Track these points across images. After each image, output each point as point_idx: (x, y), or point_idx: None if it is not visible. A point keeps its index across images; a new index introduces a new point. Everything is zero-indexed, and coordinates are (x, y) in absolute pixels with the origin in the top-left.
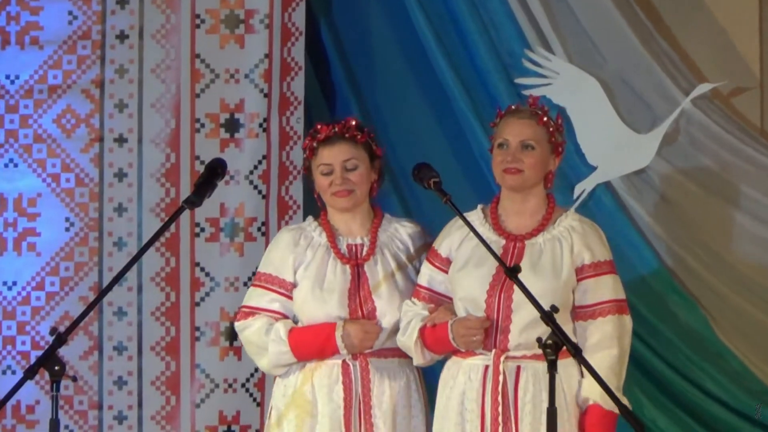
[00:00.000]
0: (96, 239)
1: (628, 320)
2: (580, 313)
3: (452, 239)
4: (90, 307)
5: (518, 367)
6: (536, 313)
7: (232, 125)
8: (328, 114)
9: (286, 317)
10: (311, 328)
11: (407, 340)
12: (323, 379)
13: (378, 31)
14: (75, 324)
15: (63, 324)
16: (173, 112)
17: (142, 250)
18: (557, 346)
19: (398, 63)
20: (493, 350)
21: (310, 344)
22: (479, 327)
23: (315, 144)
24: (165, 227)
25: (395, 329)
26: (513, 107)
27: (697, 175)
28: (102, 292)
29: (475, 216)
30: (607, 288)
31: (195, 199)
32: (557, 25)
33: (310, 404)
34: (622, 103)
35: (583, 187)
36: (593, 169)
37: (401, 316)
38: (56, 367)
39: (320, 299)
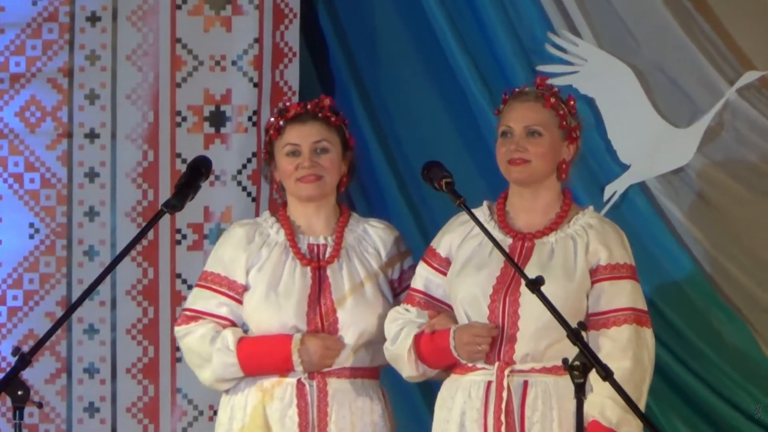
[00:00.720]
0: (64, 247)
1: (648, 334)
2: (592, 321)
3: (453, 237)
4: (57, 325)
5: (525, 383)
6: (546, 319)
7: (218, 119)
8: None
9: (234, 324)
10: (264, 339)
11: (398, 348)
12: (275, 402)
13: (383, 13)
14: (40, 343)
15: (27, 343)
16: (151, 104)
17: (116, 260)
18: (585, 367)
19: (405, 48)
20: (497, 363)
21: (263, 358)
22: (486, 335)
23: (282, 122)
24: (142, 234)
25: (359, 345)
26: (517, 90)
27: (742, 173)
28: (71, 308)
29: (480, 213)
30: (624, 294)
31: (176, 203)
32: (585, 5)
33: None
34: (659, 93)
35: (615, 189)
36: (626, 168)
37: (388, 325)
38: (19, 392)
39: (275, 305)
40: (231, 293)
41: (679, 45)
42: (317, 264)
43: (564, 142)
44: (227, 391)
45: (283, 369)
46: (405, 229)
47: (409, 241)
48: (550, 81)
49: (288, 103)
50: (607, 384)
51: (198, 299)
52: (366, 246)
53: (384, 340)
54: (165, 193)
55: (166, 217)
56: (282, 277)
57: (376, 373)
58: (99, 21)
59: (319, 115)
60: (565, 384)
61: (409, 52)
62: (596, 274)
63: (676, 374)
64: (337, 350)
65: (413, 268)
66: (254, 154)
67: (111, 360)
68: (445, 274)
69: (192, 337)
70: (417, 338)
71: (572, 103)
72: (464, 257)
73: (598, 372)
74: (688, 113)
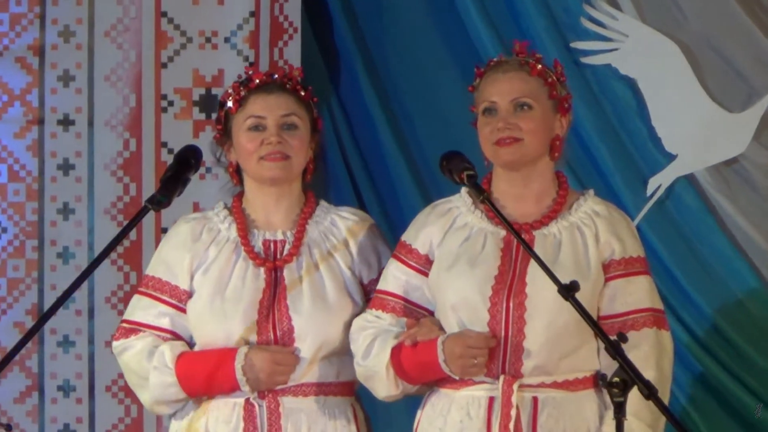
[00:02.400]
0: (35, 249)
1: (667, 337)
2: (604, 325)
3: (432, 231)
4: (27, 336)
5: (534, 399)
6: (559, 325)
7: (209, 103)
8: (331, 87)
9: (178, 337)
10: (206, 354)
11: (372, 364)
12: (220, 426)
13: None
14: (8, 358)
15: None
16: (133, 87)
17: (94, 263)
18: (626, 384)
19: (420, 21)
20: (501, 377)
21: (204, 376)
22: (483, 345)
23: (244, 92)
24: (123, 234)
25: (320, 357)
26: (495, 60)
27: None
28: (43, 317)
29: (460, 202)
30: (641, 292)
31: (161, 198)
32: None
33: None
34: (709, 73)
35: (660, 182)
36: (672, 158)
37: (355, 336)
38: None
39: (220, 313)
40: (173, 301)
41: (732, 18)
42: (272, 264)
43: (555, 114)
44: (174, 416)
45: (228, 388)
46: None
47: None
48: (585, 59)
49: (251, 72)
50: (635, 402)
51: (137, 309)
52: (332, 240)
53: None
54: (149, 187)
55: (151, 214)
56: (230, 281)
57: (347, 389)
58: None
59: (288, 86)
60: (578, 401)
61: (424, 25)
62: (609, 270)
63: (737, 398)
64: (291, 365)
65: None
66: None
67: (88, 376)
68: (425, 274)
69: (129, 353)
70: (395, 352)
71: (560, 69)
72: (450, 254)
73: (640, 389)
74: (742, 96)
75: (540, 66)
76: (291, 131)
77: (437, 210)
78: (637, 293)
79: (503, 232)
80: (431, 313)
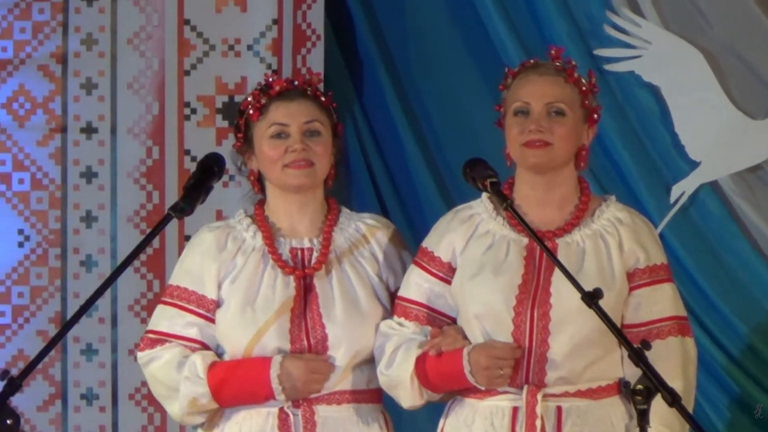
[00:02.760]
0: (58, 257)
1: (691, 344)
2: (629, 334)
3: (454, 238)
4: (51, 344)
5: (559, 408)
6: (584, 334)
7: (232, 111)
8: (354, 94)
9: (206, 347)
10: (239, 363)
11: (396, 373)
12: None
13: None
14: (32, 366)
15: (16, 365)
16: (156, 95)
17: (117, 271)
18: (650, 391)
19: (444, 28)
20: (525, 386)
21: (237, 385)
22: (509, 356)
23: (264, 100)
24: (146, 242)
25: (353, 365)
26: (531, 62)
27: None
28: (66, 325)
29: (482, 208)
30: (666, 301)
31: (184, 206)
32: None
33: None
34: (733, 80)
35: (683, 189)
36: (696, 165)
37: (379, 343)
38: (8, 421)
39: (252, 323)
40: (201, 311)
41: (755, 24)
42: (302, 272)
43: (585, 124)
44: (201, 427)
45: (263, 397)
46: None
47: None
48: (608, 66)
49: (271, 79)
50: (663, 411)
51: (162, 319)
52: (360, 248)
53: None
54: (172, 195)
55: (174, 222)
56: (260, 289)
57: (377, 396)
58: (96, 0)
59: (309, 92)
60: (603, 408)
61: (448, 33)
62: (634, 279)
63: (749, 395)
64: (326, 373)
65: None
66: None
67: (111, 384)
68: (447, 281)
69: (156, 364)
70: (419, 361)
71: (593, 79)
72: (474, 262)
73: (664, 397)
74: (765, 102)
75: (577, 74)
76: (314, 138)
77: (459, 216)
78: (661, 302)
79: (526, 240)
80: (454, 321)
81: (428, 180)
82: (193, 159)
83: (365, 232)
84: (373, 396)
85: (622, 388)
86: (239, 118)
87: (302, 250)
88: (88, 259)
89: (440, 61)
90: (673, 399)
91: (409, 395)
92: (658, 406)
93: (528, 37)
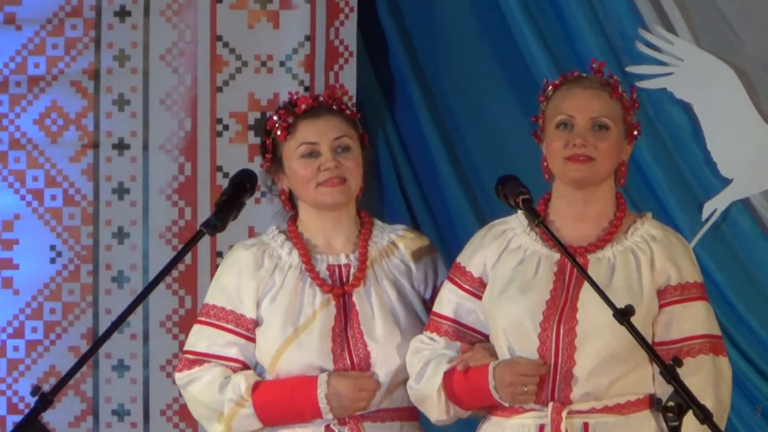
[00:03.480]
0: (90, 273)
1: (725, 364)
2: (660, 351)
3: (486, 254)
4: (82, 360)
5: (585, 425)
6: (610, 351)
7: (264, 127)
8: (387, 111)
9: (246, 367)
10: (284, 383)
11: (424, 388)
12: None
13: (451, 7)
14: (63, 382)
15: (48, 382)
16: (188, 111)
17: (149, 288)
18: (681, 408)
19: (476, 47)
20: (551, 404)
21: (283, 406)
22: (534, 373)
23: (291, 119)
24: (178, 258)
25: (396, 382)
26: (575, 74)
27: None
28: (97, 341)
29: (516, 223)
30: (698, 318)
31: (216, 222)
32: None
33: None
34: (765, 98)
35: (715, 206)
36: (728, 182)
37: (410, 357)
38: None
39: (294, 343)
40: (240, 330)
41: None
42: (341, 289)
43: (625, 140)
44: None
45: (309, 417)
46: None
47: None
48: (640, 84)
49: (295, 96)
50: (695, 428)
51: (200, 339)
52: (395, 261)
53: None
54: (204, 211)
55: (206, 238)
56: (301, 308)
57: (416, 414)
58: (129, 16)
59: (335, 107)
60: (631, 424)
61: (480, 51)
62: (665, 296)
63: None
64: (372, 390)
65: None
66: None
67: (143, 400)
68: (478, 297)
69: (197, 385)
70: (447, 376)
71: (635, 95)
72: (504, 277)
73: (695, 414)
74: None
75: (621, 90)
76: (345, 153)
77: (492, 231)
78: (693, 319)
79: (557, 255)
80: (486, 337)
81: (460, 196)
82: (225, 175)
83: (398, 244)
84: (412, 414)
85: (654, 405)
86: (266, 138)
87: (339, 266)
88: (119, 275)
89: (472, 78)
90: (704, 416)
91: (436, 410)
92: (692, 424)
93: (560, 55)
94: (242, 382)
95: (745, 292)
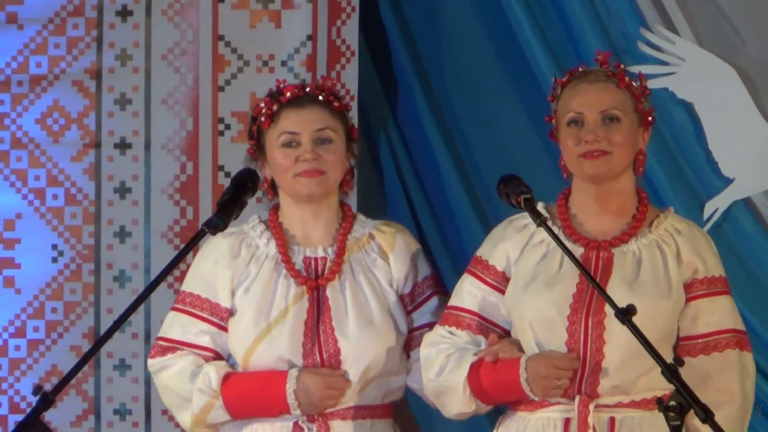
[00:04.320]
0: (91, 272)
1: (750, 360)
2: (685, 346)
3: (509, 247)
4: (84, 360)
5: (612, 419)
6: (637, 343)
7: None
8: (389, 111)
9: (218, 356)
10: (254, 376)
11: (448, 379)
12: None
13: (454, 7)
14: (65, 381)
15: (50, 381)
16: (190, 110)
17: (151, 287)
18: (683, 408)
19: (479, 47)
20: (578, 397)
21: (252, 399)
22: (568, 366)
23: (276, 107)
24: (180, 257)
25: (367, 380)
26: (580, 69)
27: None
28: (99, 341)
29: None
30: (724, 313)
31: (218, 222)
32: None
33: None
34: (767, 97)
35: (716, 206)
36: (729, 182)
37: (427, 350)
38: None
39: (266, 335)
40: (214, 319)
41: None
42: (314, 282)
43: (640, 128)
44: None
45: (277, 412)
46: (477, 246)
47: None
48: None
49: (282, 85)
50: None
51: (174, 326)
52: (372, 256)
53: (397, 372)
54: (206, 211)
55: (207, 238)
56: (274, 300)
57: (389, 410)
58: (131, 16)
59: (321, 98)
60: (657, 419)
61: (482, 51)
62: (692, 290)
63: None
64: (342, 389)
65: (429, 279)
66: None
67: (145, 400)
68: (501, 291)
69: (168, 373)
70: (474, 368)
71: (644, 82)
72: (528, 272)
73: (696, 414)
74: None
75: (627, 78)
76: (326, 145)
77: (513, 225)
78: (719, 313)
79: (580, 249)
80: (507, 333)
81: (462, 197)
82: (227, 175)
83: (377, 238)
84: (385, 411)
85: (657, 403)
86: (252, 125)
87: (316, 259)
88: (121, 275)
89: (474, 77)
90: (706, 416)
91: (458, 402)
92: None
93: (562, 55)
94: (213, 373)
95: (746, 291)
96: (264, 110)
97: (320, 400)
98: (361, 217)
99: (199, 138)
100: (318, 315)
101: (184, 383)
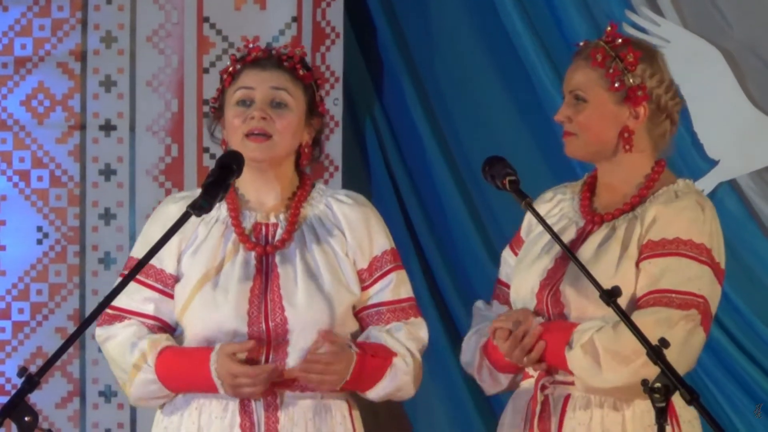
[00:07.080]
0: (76, 254)
1: (700, 334)
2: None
3: (532, 217)
4: (69, 342)
5: (567, 397)
6: (595, 319)
7: None
8: (374, 93)
9: (164, 324)
10: (184, 352)
11: (469, 362)
12: (213, 421)
13: None
14: (50, 363)
15: (35, 363)
16: (175, 92)
17: (136, 269)
18: (668, 389)
19: (464, 29)
20: (536, 372)
21: (183, 376)
22: (523, 319)
23: (239, 66)
24: (165, 240)
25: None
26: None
27: None
28: (84, 322)
29: (571, 190)
30: (685, 274)
31: (204, 204)
32: None
33: None
34: (752, 79)
35: (702, 187)
36: (714, 164)
37: (468, 338)
38: (26, 418)
39: (210, 302)
40: (158, 286)
41: None
42: (263, 249)
43: (621, 105)
44: (162, 408)
45: (208, 390)
46: (464, 234)
47: (470, 247)
48: None
49: (250, 45)
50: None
51: (121, 293)
52: (328, 225)
53: (351, 342)
54: None
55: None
56: (221, 266)
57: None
58: None
59: (285, 63)
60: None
61: (468, 33)
62: (644, 251)
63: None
64: (253, 382)
65: (389, 254)
66: None
67: None
68: None
69: (112, 344)
70: (484, 349)
71: (631, 58)
72: (530, 242)
73: (682, 395)
74: None
75: (601, 56)
76: (279, 109)
77: (544, 197)
78: (677, 273)
79: (581, 222)
80: None
81: (449, 180)
82: (212, 157)
83: (335, 208)
84: None
85: (641, 385)
86: (219, 85)
87: (267, 225)
88: (106, 257)
89: (460, 61)
90: (691, 397)
91: (485, 382)
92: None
93: (548, 37)
94: (147, 347)
95: (731, 272)
96: (227, 69)
97: (230, 388)
98: (320, 186)
99: (184, 120)
100: (266, 283)
101: (124, 356)
